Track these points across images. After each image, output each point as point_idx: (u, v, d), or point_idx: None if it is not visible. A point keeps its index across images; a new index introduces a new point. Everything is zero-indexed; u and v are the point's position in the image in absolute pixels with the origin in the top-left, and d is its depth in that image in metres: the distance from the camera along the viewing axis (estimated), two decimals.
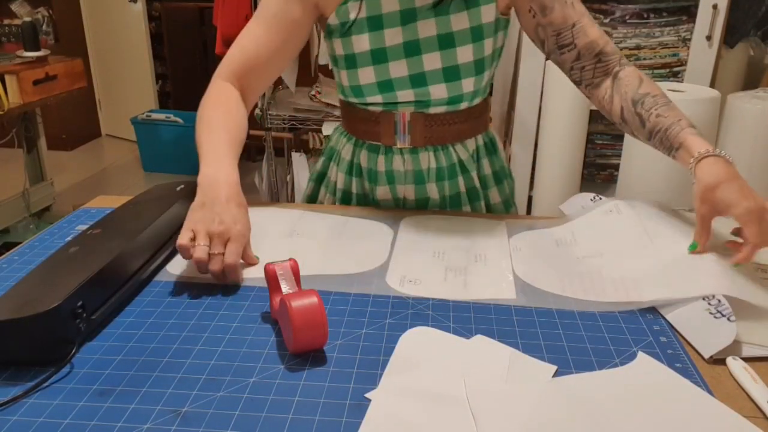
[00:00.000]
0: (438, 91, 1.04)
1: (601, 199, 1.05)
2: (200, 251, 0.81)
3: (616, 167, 2.68)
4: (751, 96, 1.86)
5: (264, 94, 2.65)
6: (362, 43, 1.01)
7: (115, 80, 4.66)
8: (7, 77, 2.49)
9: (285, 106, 2.73)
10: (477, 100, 1.09)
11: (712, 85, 2.39)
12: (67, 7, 4.48)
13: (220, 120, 0.97)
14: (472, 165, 1.12)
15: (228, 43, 2.97)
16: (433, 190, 1.11)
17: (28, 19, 2.90)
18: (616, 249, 0.91)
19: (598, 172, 2.79)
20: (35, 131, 3.04)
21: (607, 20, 2.50)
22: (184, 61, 4.53)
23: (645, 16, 2.49)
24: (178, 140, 4.06)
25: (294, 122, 2.69)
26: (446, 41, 1.00)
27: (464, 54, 1.01)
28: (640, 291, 0.82)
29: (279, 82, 2.75)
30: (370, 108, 1.08)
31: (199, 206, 0.85)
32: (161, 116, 4.10)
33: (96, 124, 4.88)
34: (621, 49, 2.51)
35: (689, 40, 2.41)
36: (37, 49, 2.75)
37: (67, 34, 4.43)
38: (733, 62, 2.61)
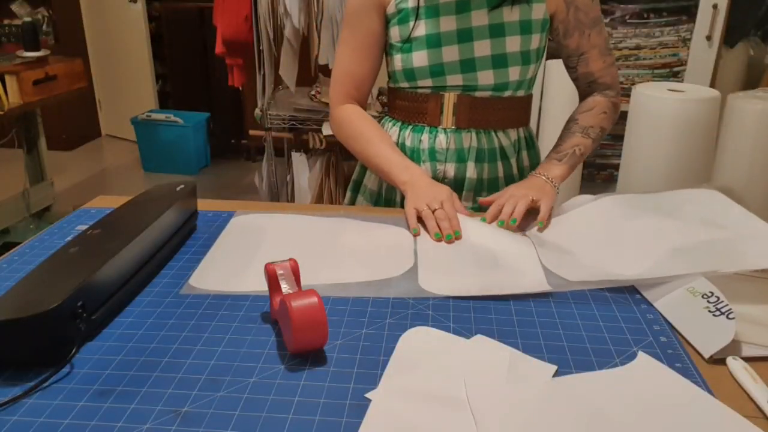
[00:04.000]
0: (485, 77, 1.11)
1: None
2: (427, 215, 1.00)
3: (616, 167, 2.68)
4: (751, 96, 1.86)
5: (264, 94, 2.65)
6: (419, 28, 1.09)
7: (115, 80, 4.65)
8: (7, 77, 2.48)
9: (285, 106, 2.73)
10: (520, 92, 1.16)
11: (712, 85, 2.39)
12: (67, 7, 4.47)
13: (374, 133, 1.15)
14: (512, 153, 1.19)
15: (228, 43, 2.97)
16: (472, 170, 1.16)
17: (28, 19, 2.89)
18: (618, 233, 0.95)
19: (598, 172, 2.79)
20: (35, 131, 3.03)
21: (607, 20, 2.50)
22: (184, 61, 4.51)
23: (645, 16, 2.49)
24: (178, 140, 4.06)
25: (294, 122, 2.69)
26: (497, 30, 1.08)
27: (512, 44, 1.09)
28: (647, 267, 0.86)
29: (279, 82, 2.75)
30: (419, 91, 1.15)
31: (414, 197, 1.04)
32: (161, 116, 4.09)
33: (96, 124, 4.87)
34: (621, 49, 2.52)
35: (689, 40, 2.41)
36: (37, 49, 2.74)
37: (67, 34, 4.42)
38: (733, 62, 2.61)
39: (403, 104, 1.18)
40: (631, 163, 2.01)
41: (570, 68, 1.19)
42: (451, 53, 1.09)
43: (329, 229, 1.03)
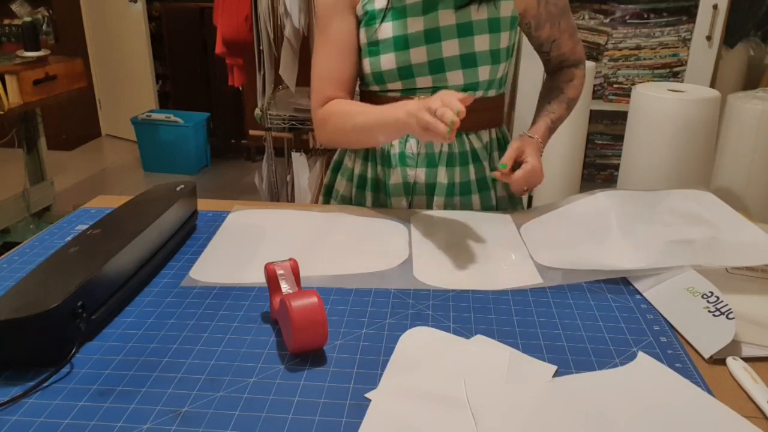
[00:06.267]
0: (455, 77, 1.09)
1: None
2: (442, 111, 0.89)
3: (616, 167, 2.68)
4: (751, 96, 1.86)
5: (264, 94, 2.65)
6: (385, 30, 1.08)
7: (115, 80, 4.66)
8: (7, 77, 2.48)
9: (285, 106, 2.73)
10: (491, 92, 1.14)
11: (712, 85, 2.39)
12: (67, 7, 4.47)
13: (356, 106, 1.09)
14: (484, 155, 1.17)
15: (228, 43, 2.97)
16: (443, 175, 1.14)
17: (28, 19, 2.88)
18: (606, 226, 0.97)
19: (598, 172, 2.79)
20: (35, 131, 3.03)
21: (607, 20, 2.50)
22: (184, 61, 4.52)
23: (645, 16, 2.49)
24: (178, 140, 4.06)
25: (294, 122, 2.69)
26: (464, 30, 1.07)
27: (481, 43, 1.08)
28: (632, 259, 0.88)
29: (279, 82, 2.75)
30: (390, 95, 1.13)
31: (416, 110, 0.92)
32: (161, 116, 4.09)
33: (96, 124, 4.88)
34: (621, 49, 2.52)
35: (689, 40, 2.41)
36: (37, 49, 2.74)
37: (67, 34, 4.42)
38: (733, 62, 2.61)
39: None
40: (631, 163, 2.01)
41: (542, 53, 1.22)
42: (419, 54, 1.08)
43: (325, 223, 1.05)
